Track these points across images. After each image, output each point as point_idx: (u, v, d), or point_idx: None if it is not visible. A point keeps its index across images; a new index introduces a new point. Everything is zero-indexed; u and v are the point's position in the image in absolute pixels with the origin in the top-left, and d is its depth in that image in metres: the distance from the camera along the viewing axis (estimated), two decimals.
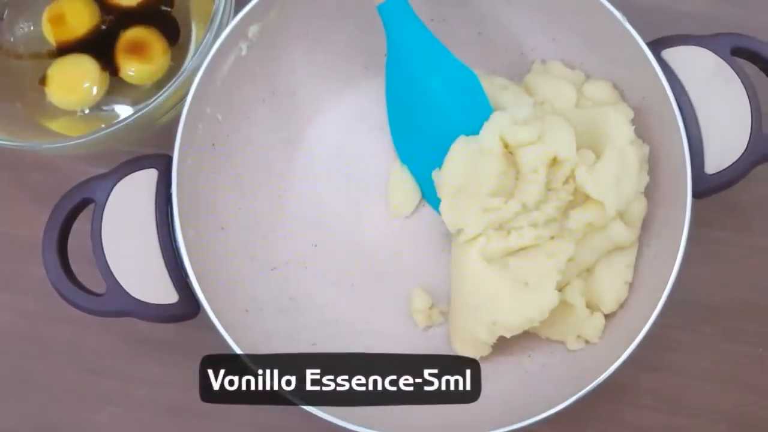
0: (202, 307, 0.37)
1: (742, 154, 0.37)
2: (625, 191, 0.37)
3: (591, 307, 0.38)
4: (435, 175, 0.42)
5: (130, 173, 0.38)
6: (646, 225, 0.39)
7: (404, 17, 0.40)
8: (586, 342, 0.39)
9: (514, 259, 0.39)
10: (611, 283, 0.38)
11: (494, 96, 0.41)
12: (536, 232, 0.37)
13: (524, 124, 0.39)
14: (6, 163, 0.48)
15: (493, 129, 0.39)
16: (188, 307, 0.37)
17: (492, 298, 0.38)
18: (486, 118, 0.40)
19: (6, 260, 0.47)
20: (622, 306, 0.38)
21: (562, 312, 0.38)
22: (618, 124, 0.38)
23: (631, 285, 0.39)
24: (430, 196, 0.44)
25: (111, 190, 0.37)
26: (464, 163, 0.40)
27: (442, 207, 0.41)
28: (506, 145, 0.39)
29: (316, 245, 0.44)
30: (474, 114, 0.41)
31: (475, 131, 0.40)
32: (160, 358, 0.45)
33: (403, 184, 0.44)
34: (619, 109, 0.40)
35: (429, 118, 0.42)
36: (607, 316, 0.39)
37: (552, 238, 0.38)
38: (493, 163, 0.39)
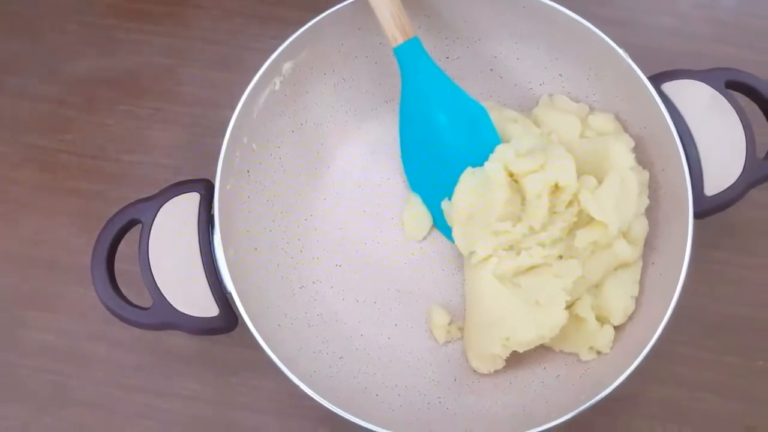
0: (238, 322, 0.40)
1: (739, 176, 0.40)
2: (625, 213, 0.40)
3: (601, 320, 0.41)
4: (445, 205, 0.45)
5: (174, 196, 0.40)
6: (650, 244, 0.42)
7: (417, 58, 0.43)
8: (598, 353, 0.41)
9: (525, 278, 0.41)
10: (619, 297, 0.41)
11: (504, 127, 0.45)
12: (544, 252, 0.40)
13: (527, 155, 0.42)
14: (46, 188, 0.51)
15: (498, 160, 0.42)
16: (227, 320, 0.39)
17: (505, 316, 0.40)
18: (494, 143, 0.43)
19: (46, 282, 0.49)
20: (630, 318, 0.41)
21: (574, 325, 0.41)
22: (619, 153, 0.42)
23: (637, 299, 0.41)
24: (440, 223, 0.47)
25: (157, 212, 0.40)
26: (472, 192, 0.43)
27: (454, 233, 0.43)
28: (511, 174, 0.42)
29: (340, 266, 0.47)
30: (483, 145, 0.44)
31: (483, 162, 0.43)
32: (193, 373, 0.47)
33: (415, 211, 0.47)
34: (620, 138, 0.43)
35: (439, 150, 0.45)
36: (616, 328, 0.41)
37: (560, 257, 0.41)
38: (499, 191, 0.42)
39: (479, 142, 0.44)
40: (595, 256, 0.40)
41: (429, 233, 0.48)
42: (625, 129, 0.44)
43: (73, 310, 0.48)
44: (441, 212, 0.46)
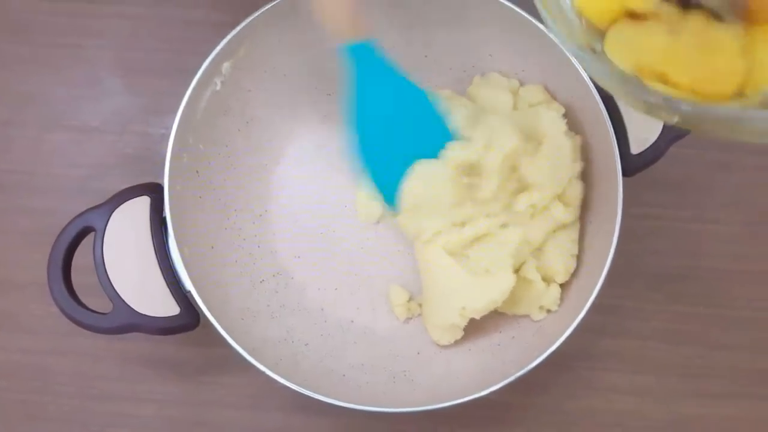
0: (201, 319, 0.41)
1: (660, 134, 0.42)
2: (560, 176, 0.42)
3: (546, 280, 0.43)
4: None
5: (125, 202, 0.41)
6: (586, 205, 0.45)
7: (368, 56, 0.42)
8: (548, 311, 0.43)
9: (472, 249, 0.43)
10: (560, 256, 0.43)
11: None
12: (488, 221, 0.42)
13: (469, 139, 0.43)
14: None
15: (447, 157, 0.43)
16: (189, 317, 0.40)
17: (458, 287, 0.42)
18: (445, 133, 0.43)
19: (5, 302, 0.49)
20: (574, 276, 0.43)
21: (523, 289, 0.43)
22: (551, 120, 0.44)
23: (579, 257, 0.44)
24: (392, 204, 0.46)
25: (108, 218, 0.40)
26: (421, 186, 0.44)
27: (400, 221, 0.45)
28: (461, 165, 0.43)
29: (299, 257, 0.48)
30: (434, 132, 0.44)
31: (435, 148, 0.43)
32: (162, 377, 0.48)
33: (367, 194, 0.48)
34: (551, 107, 0.45)
35: (390, 138, 0.45)
36: (562, 287, 0.43)
37: (503, 226, 0.43)
38: (449, 186, 0.43)
39: (430, 129, 0.44)
40: (535, 221, 0.43)
41: (383, 216, 0.49)
42: (555, 98, 0.47)
43: (35, 327, 0.48)
44: (392, 194, 0.46)
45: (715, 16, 0.30)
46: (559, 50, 0.44)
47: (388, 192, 0.47)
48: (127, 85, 0.52)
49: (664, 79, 0.30)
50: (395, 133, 0.45)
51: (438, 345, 0.45)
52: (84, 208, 0.42)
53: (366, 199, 0.49)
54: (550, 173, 0.42)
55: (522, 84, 0.48)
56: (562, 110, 0.45)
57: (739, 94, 0.29)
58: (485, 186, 0.43)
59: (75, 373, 0.48)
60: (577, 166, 0.44)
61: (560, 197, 0.43)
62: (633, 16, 0.31)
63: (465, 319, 0.43)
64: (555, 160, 0.42)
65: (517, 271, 0.43)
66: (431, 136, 0.45)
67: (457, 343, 0.44)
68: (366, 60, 0.43)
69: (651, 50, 0.30)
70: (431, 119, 0.45)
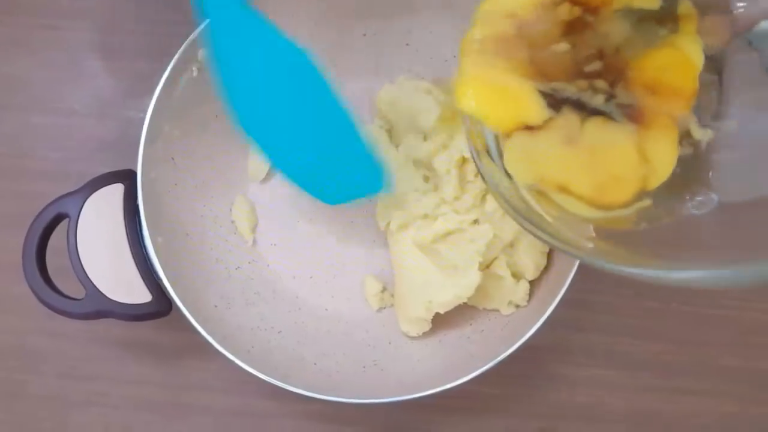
0: (175, 306, 0.41)
1: None
2: None
3: (516, 276, 0.44)
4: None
5: (99, 188, 0.41)
6: None
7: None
8: (517, 306, 0.44)
9: (442, 244, 0.44)
10: (531, 254, 0.43)
11: (418, 99, 0.46)
12: (459, 218, 0.42)
13: (430, 137, 0.43)
14: None
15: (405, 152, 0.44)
16: (161, 305, 0.41)
17: (426, 281, 0.43)
18: (327, 99, 0.39)
19: None
20: (544, 272, 0.44)
21: (493, 284, 0.43)
22: None
23: (549, 255, 0.44)
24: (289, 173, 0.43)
25: (82, 205, 0.41)
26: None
27: (378, 210, 0.46)
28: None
29: (275, 245, 0.49)
30: (313, 94, 0.40)
31: (316, 112, 0.40)
32: (138, 359, 0.49)
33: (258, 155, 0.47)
34: None
35: (265, 97, 0.41)
36: (531, 283, 0.44)
37: (475, 221, 0.43)
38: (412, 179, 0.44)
39: (307, 91, 0.40)
40: (506, 218, 0.43)
41: (358, 206, 0.49)
42: None
43: (16, 308, 0.49)
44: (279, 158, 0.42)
45: (611, 120, 0.29)
46: None
47: (275, 155, 0.43)
48: (106, 67, 0.52)
49: (565, 190, 0.30)
50: (269, 91, 0.41)
51: (408, 336, 0.45)
52: (66, 192, 0.42)
53: (256, 158, 0.48)
54: None
55: None
56: None
57: (638, 198, 0.29)
58: (445, 185, 0.43)
59: (55, 353, 0.49)
60: None
61: None
62: (529, 128, 0.30)
63: (431, 313, 0.43)
64: None
65: (487, 266, 0.43)
66: (309, 94, 0.41)
67: (427, 334, 0.45)
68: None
69: (549, 160, 0.30)
70: (307, 78, 0.40)
